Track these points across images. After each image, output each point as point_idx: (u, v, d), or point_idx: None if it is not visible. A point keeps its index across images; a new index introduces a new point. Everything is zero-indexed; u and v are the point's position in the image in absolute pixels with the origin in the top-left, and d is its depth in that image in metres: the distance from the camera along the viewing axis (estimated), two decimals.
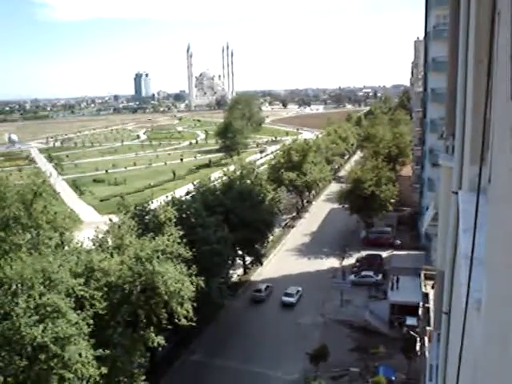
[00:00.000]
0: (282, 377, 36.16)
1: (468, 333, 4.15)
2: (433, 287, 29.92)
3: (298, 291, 49.57)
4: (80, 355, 22.43)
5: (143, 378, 28.52)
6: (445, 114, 10.12)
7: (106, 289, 26.81)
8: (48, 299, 22.05)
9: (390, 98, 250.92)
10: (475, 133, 6.26)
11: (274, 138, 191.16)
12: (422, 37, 75.76)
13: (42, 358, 21.40)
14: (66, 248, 30.01)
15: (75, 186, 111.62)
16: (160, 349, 33.21)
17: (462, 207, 6.00)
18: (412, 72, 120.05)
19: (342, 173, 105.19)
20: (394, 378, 32.88)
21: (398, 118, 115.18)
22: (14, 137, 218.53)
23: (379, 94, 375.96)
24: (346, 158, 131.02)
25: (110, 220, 35.20)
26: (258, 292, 50.09)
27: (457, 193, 7.24)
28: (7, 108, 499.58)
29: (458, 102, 7.36)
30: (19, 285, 22.17)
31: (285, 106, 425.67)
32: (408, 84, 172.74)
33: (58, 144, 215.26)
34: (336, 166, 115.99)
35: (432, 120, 53.33)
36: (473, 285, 3.56)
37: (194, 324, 30.41)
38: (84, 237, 32.59)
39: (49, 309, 22.05)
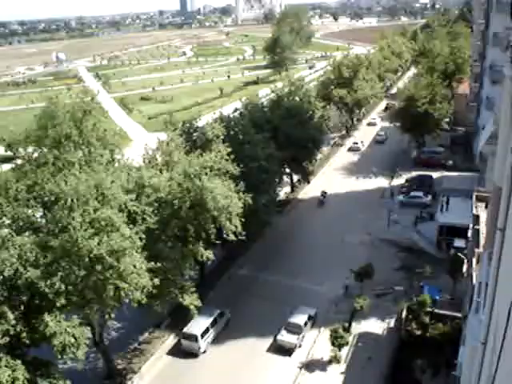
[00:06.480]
0: (327, 293, 36.97)
1: None
2: (486, 207, 29.14)
3: None
4: (134, 267, 23.44)
5: (193, 289, 29.83)
6: None
7: (156, 204, 27.51)
8: (102, 214, 22.80)
9: (450, 10, 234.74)
10: None
11: (323, 54, 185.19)
12: None
13: (99, 269, 22.50)
14: (117, 165, 30.58)
15: (123, 104, 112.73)
16: (209, 263, 34.34)
17: None
18: None
19: (395, 90, 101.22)
20: (438, 298, 33.00)
21: (457, 32, 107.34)
22: (62, 55, 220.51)
23: (438, 5, 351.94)
24: (399, 74, 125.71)
25: (161, 137, 35.34)
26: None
27: None
28: (53, 26, 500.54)
29: None
30: (75, 200, 22.91)
31: (336, 19, 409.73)
32: None
33: (104, 62, 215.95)
34: (388, 83, 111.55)
35: (495, 33, 49.51)
36: None
37: (242, 238, 31.02)
38: (133, 154, 33.07)
39: (103, 223, 22.85)
